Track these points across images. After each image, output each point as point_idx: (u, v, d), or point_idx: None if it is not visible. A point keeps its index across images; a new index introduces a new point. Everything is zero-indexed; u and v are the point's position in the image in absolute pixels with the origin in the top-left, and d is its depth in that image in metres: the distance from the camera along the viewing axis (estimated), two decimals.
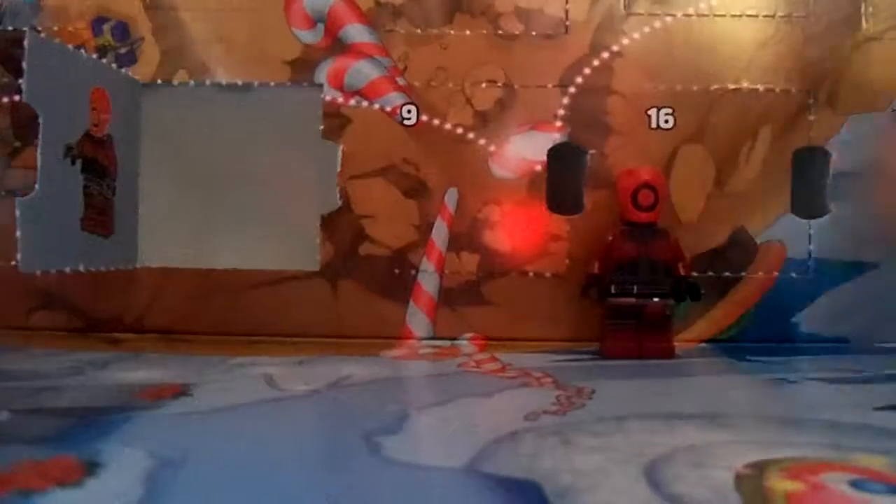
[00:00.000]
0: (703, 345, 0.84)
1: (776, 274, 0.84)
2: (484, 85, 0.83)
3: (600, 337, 0.78)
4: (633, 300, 0.75)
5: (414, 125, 0.83)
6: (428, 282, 0.84)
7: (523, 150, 0.83)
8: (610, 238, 0.76)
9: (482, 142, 0.83)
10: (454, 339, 0.84)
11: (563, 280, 0.82)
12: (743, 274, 0.84)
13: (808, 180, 0.83)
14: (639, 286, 0.76)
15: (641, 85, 0.83)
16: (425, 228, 0.83)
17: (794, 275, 0.84)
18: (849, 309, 0.83)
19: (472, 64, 0.83)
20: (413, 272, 0.83)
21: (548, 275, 0.83)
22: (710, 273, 0.84)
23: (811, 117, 0.83)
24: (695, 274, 0.82)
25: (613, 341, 0.77)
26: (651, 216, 0.75)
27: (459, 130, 0.83)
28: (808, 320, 0.84)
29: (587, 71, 0.83)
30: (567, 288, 0.81)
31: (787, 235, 0.84)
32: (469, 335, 0.84)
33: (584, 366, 0.74)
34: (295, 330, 0.83)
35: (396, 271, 0.83)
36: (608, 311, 0.77)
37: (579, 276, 0.79)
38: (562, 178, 0.82)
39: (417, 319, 0.84)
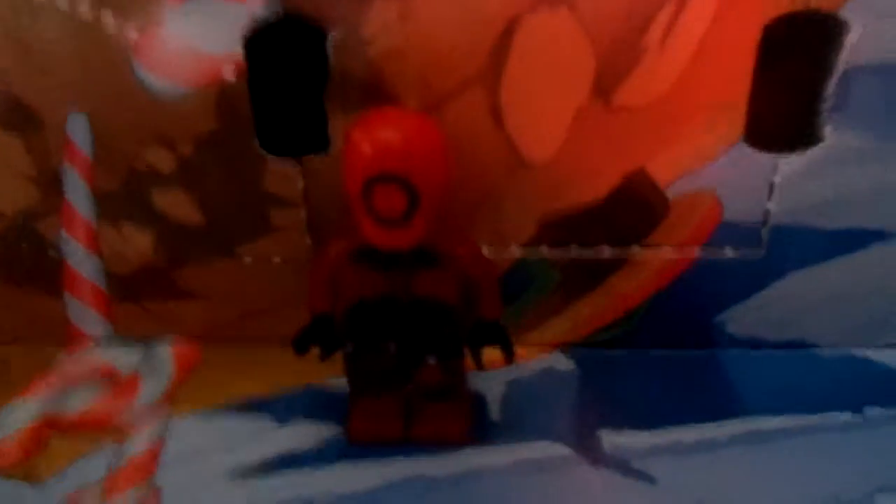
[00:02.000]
0: (556, 354, 0.51)
1: (697, 248, 0.47)
2: None
3: (348, 411, 0.45)
4: (385, 361, 0.41)
5: None
6: (82, 265, 0.49)
7: (193, 38, 0.41)
8: (332, 256, 0.39)
9: (111, 23, 0.41)
10: (150, 340, 0.52)
11: (302, 268, 0.47)
12: (635, 248, 0.47)
13: (791, 78, 0.41)
14: (397, 344, 0.41)
15: None
16: (49, 181, 0.46)
17: (730, 251, 0.47)
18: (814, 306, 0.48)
19: None
20: (53, 252, 0.49)
21: (275, 260, 0.48)
22: (574, 248, 0.47)
23: None
24: (543, 253, 0.46)
25: (360, 419, 0.44)
26: (401, 237, 0.37)
27: (73, 6, 0.41)
28: (737, 321, 0.49)
29: None
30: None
31: (730, 183, 0.45)
32: (172, 337, 0.52)
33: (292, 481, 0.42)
34: None
35: (25, 245, 0.49)
36: (349, 374, 0.43)
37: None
38: (280, 90, 0.42)
39: (85, 316, 0.51)
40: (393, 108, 0.38)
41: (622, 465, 0.43)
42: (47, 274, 0.49)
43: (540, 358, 0.49)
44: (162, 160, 0.44)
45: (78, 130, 0.44)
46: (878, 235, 0.44)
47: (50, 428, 0.46)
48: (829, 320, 0.48)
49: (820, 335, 0.49)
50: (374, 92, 0.41)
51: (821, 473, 0.42)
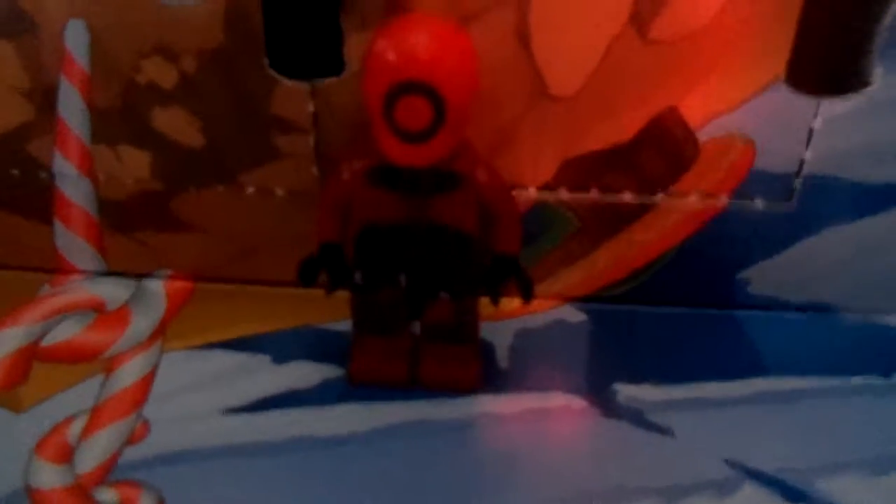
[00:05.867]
0: (568, 307, 0.49)
1: (725, 198, 0.44)
2: None
3: (350, 350, 0.43)
4: (394, 296, 0.39)
5: None
6: (75, 190, 0.47)
7: None
8: (345, 177, 0.37)
9: None
10: (142, 275, 0.50)
11: (307, 202, 0.45)
12: (659, 195, 0.45)
13: (841, 14, 0.39)
14: (409, 276, 0.39)
15: None
16: (43, 96, 0.44)
17: (759, 201, 0.45)
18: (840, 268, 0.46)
19: None
20: (44, 174, 0.46)
21: (279, 192, 0.45)
22: (595, 192, 0.45)
23: None
24: (562, 196, 0.44)
25: (363, 359, 0.42)
26: (423, 154, 0.35)
27: None
28: (762, 279, 0.47)
29: None
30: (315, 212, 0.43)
31: (764, 128, 0.42)
32: (166, 272, 0.49)
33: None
34: None
35: (15, 172, 0.46)
36: (355, 309, 0.41)
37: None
38: (295, 4, 0.39)
39: (74, 246, 0.49)
40: (420, 14, 0.36)
41: (637, 418, 0.41)
42: (36, 198, 0.46)
43: (550, 309, 0.47)
44: (164, 75, 0.41)
45: (76, 39, 0.41)
46: None
47: (33, 357, 0.44)
48: (853, 283, 0.46)
49: (843, 299, 0.47)
50: (395, 9, 0.38)
51: (844, 434, 0.40)
